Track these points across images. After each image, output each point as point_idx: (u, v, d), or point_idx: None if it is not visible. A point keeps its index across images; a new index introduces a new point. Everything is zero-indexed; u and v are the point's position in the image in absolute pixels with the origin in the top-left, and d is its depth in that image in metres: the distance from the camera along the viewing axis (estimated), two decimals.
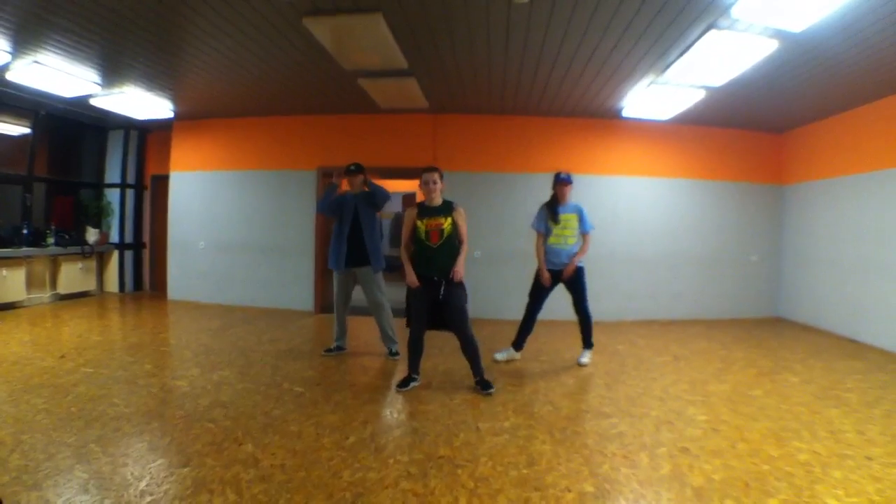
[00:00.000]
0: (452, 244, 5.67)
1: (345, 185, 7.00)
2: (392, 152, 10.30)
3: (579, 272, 6.78)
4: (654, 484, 3.73)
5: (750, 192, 10.57)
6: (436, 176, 5.64)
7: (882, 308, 8.04)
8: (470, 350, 5.75)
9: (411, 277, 5.65)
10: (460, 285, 5.69)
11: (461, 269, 5.64)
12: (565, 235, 6.74)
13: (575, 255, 6.74)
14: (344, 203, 6.91)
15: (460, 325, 5.67)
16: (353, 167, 6.89)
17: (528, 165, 10.10)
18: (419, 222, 5.63)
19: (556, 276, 6.79)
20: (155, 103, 9.51)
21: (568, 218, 6.74)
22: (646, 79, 7.52)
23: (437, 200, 5.71)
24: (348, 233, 6.81)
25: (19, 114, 9.87)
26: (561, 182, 6.75)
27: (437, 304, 5.72)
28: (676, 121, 9.74)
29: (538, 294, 6.90)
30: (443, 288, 5.62)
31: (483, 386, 5.72)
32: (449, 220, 5.63)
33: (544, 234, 6.85)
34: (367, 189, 6.84)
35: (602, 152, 10.26)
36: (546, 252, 6.81)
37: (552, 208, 6.80)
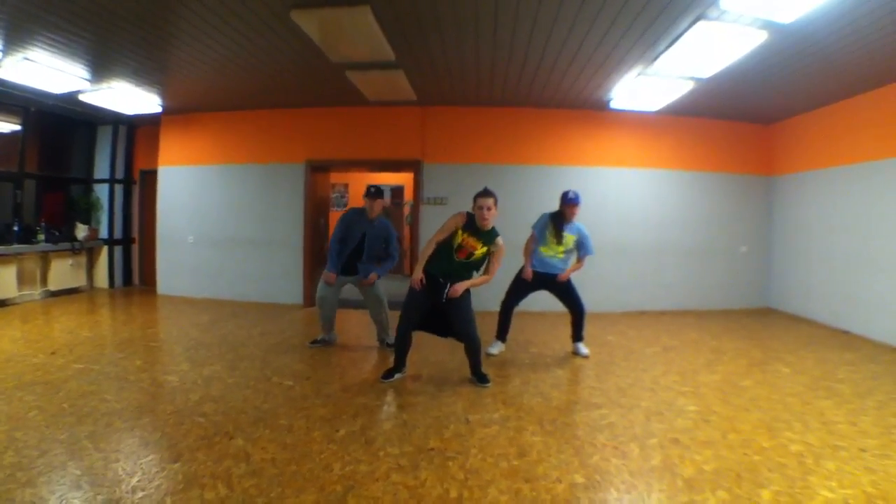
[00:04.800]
0: (472, 267, 5.64)
1: (362, 203, 6.86)
2: (380, 145, 10.28)
3: (567, 281, 6.86)
4: (645, 475, 3.75)
5: (739, 183, 10.61)
6: (490, 202, 5.43)
7: (872, 299, 8.07)
8: (472, 350, 5.75)
9: (417, 275, 5.63)
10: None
11: (461, 288, 5.58)
12: (558, 251, 6.78)
13: (570, 268, 6.83)
14: (352, 222, 6.81)
15: (463, 325, 5.66)
16: (372, 190, 6.76)
17: (516, 157, 10.12)
18: (460, 234, 5.51)
19: (540, 280, 6.84)
20: (143, 98, 9.45)
21: (568, 237, 6.77)
22: (634, 70, 7.52)
23: (489, 227, 5.51)
24: (349, 252, 6.79)
25: (9, 111, 9.82)
26: (569, 203, 6.68)
27: (440, 307, 5.72)
28: (665, 112, 9.75)
29: (517, 293, 6.96)
30: (446, 291, 5.59)
31: (480, 379, 5.75)
32: (485, 249, 5.55)
33: (538, 239, 6.87)
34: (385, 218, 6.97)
35: (591, 143, 10.27)
36: (535, 255, 6.87)
37: (558, 225, 6.77)
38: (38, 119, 10.37)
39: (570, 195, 6.71)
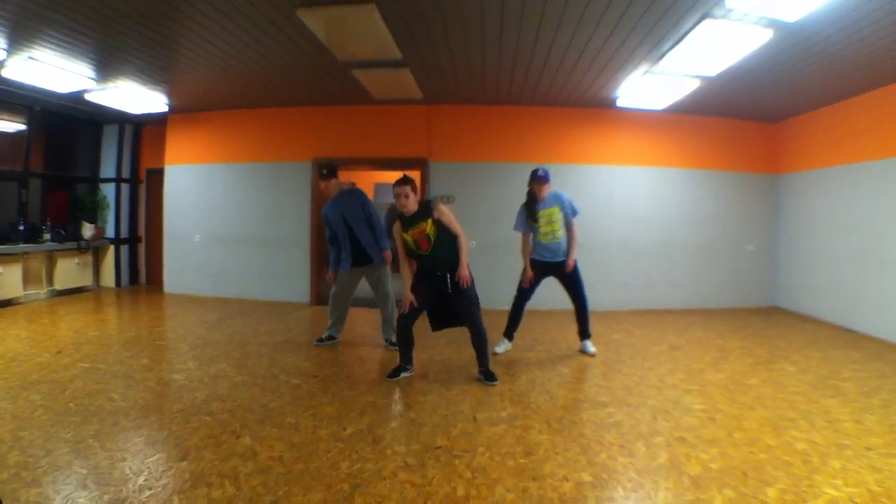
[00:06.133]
0: (443, 243, 5.61)
1: (321, 190, 6.82)
2: (387, 143, 10.30)
3: (574, 269, 6.78)
4: (652, 473, 3.75)
5: (745, 182, 10.58)
6: (407, 189, 5.51)
7: (879, 297, 8.05)
8: (479, 340, 5.75)
9: (407, 298, 5.63)
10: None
11: (466, 271, 5.61)
12: (553, 230, 6.69)
13: (569, 250, 6.73)
14: (328, 212, 6.84)
15: (470, 314, 5.68)
16: (325, 171, 6.79)
17: (522, 155, 10.09)
18: (405, 235, 5.61)
19: (546, 268, 6.79)
20: (149, 97, 9.47)
21: (549, 212, 6.68)
22: (640, 68, 7.51)
23: (413, 209, 5.59)
24: (343, 239, 6.78)
25: (14, 110, 9.84)
26: (538, 180, 6.61)
27: (445, 297, 5.74)
28: (671, 110, 9.74)
29: (526, 286, 6.91)
30: (449, 281, 5.63)
31: (487, 377, 5.74)
32: (429, 221, 5.54)
33: (530, 231, 6.83)
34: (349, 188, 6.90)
35: (597, 142, 10.27)
36: (536, 246, 6.81)
37: (530, 207, 6.74)
38: (44, 118, 10.40)
39: (540, 172, 6.63)
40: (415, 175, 11.74)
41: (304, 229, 10.46)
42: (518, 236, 6.95)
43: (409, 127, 10.27)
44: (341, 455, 3.96)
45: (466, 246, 5.73)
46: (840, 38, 6.05)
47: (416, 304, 5.63)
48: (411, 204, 5.55)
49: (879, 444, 4.25)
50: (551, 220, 6.67)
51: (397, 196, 5.53)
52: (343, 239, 6.78)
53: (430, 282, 5.69)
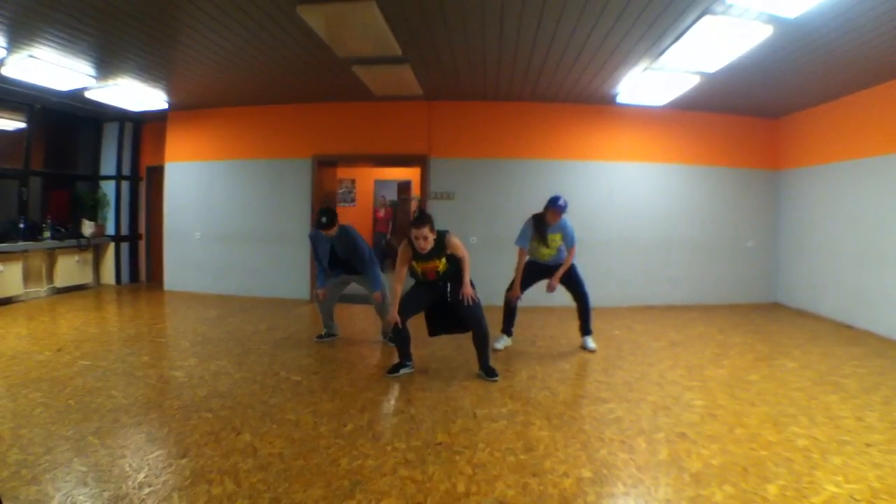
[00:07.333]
0: (450, 272, 5.64)
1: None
2: (387, 140, 10.31)
3: (571, 268, 6.82)
4: (652, 469, 3.75)
5: (745, 178, 10.57)
6: (426, 231, 5.32)
7: (879, 294, 8.05)
8: (481, 339, 5.75)
9: (393, 318, 5.61)
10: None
11: (469, 290, 5.60)
12: (552, 252, 6.79)
13: (557, 271, 6.78)
14: (317, 240, 6.82)
15: (473, 316, 5.67)
16: (324, 220, 6.53)
17: (523, 151, 10.11)
18: (415, 264, 5.58)
19: (540, 270, 6.86)
20: (149, 94, 9.48)
21: (553, 237, 6.71)
22: (640, 64, 7.49)
23: (429, 248, 5.44)
24: (329, 262, 6.82)
25: (14, 108, 9.83)
26: (557, 209, 6.55)
27: (446, 302, 5.76)
28: (672, 106, 9.70)
29: (521, 284, 6.88)
30: (449, 290, 5.66)
31: (488, 373, 5.75)
32: (443, 260, 5.54)
33: (527, 250, 6.83)
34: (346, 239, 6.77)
35: (597, 138, 10.25)
36: (534, 257, 6.90)
37: (540, 229, 6.71)
38: (44, 116, 10.38)
39: (561, 202, 6.57)
40: (415, 171, 11.75)
41: (305, 226, 10.40)
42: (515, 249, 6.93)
43: (409, 123, 10.27)
44: (341, 451, 3.96)
45: (469, 268, 5.70)
46: (840, 34, 6.04)
47: (400, 325, 5.65)
48: (428, 246, 5.39)
49: (880, 441, 4.25)
50: (552, 245, 6.75)
51: (416, 238, 5.33)
52: (321, 265, 6.85)
53: (429, 287, 5.74)
